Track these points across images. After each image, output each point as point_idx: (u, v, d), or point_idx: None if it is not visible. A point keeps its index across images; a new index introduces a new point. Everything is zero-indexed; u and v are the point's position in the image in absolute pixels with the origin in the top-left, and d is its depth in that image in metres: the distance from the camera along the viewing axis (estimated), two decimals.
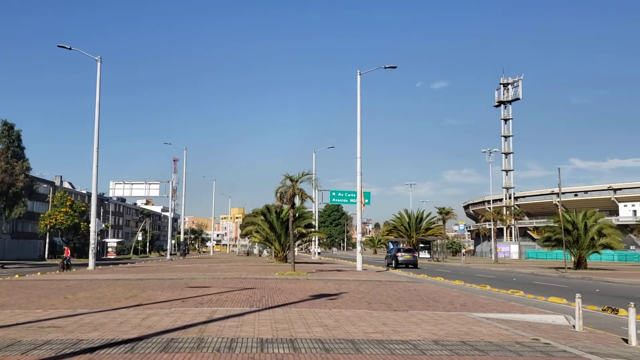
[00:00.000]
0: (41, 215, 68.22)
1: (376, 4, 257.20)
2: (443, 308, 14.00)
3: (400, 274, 34.17)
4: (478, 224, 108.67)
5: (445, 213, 75.64)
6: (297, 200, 31.24)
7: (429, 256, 75.17)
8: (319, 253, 75.60)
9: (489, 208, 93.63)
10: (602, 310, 15.86)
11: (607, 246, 45.31)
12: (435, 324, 11.05)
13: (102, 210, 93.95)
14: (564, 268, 40.50)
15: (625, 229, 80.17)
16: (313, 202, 47.30)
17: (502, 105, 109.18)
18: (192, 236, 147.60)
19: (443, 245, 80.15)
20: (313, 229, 51.86)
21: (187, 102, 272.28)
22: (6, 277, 26.86)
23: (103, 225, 75.82)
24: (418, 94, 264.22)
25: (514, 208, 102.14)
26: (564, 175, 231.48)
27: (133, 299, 15.35)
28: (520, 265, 55.20)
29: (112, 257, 78.38)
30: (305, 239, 54.23)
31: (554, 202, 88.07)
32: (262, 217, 46.84)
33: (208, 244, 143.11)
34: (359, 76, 36.99)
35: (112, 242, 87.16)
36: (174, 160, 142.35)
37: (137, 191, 62.86)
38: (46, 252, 71.41)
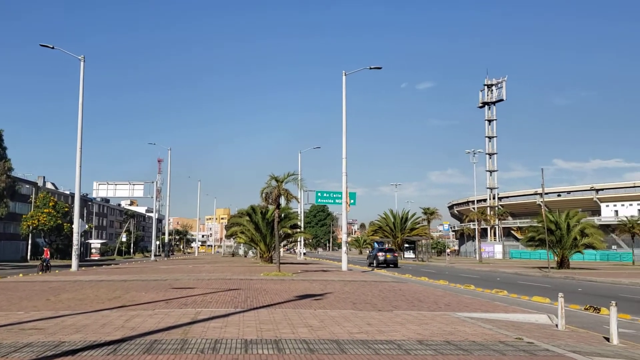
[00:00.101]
0: (23, 216, 67.43)
1: (359, 4, 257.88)
2: (427, 308, 14.06)
3: (385, 274, 34.27)
4: (462, 224, 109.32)
5: (429, 213, 76.05)
6: (282, 201, 31.18)
7: (413, 256, 75.51)
8: (304, 253, 75.58)
9: (473, 208, 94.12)
10: (585, 309, 16.03)
11: (589, 246, 45.82)
12: (420, 323, 11.08)
13: (85, 211, 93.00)
14: (547, 268, 40.90)
15: (607, 228, 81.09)
16: (299, 202, 47.29)
17: (486, 106, 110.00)
18: (177, 237, 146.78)
19: (428, 245, 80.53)
20: (299, 230, 51.83)
21: (171, 104, 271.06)
22: None
23: (86, 226, 75.07)
24: (403, 94, 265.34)
25: (498, 208, 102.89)
26: (547, 176, 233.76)
27: (116, 300, 15.22)
28: (504, 265, 55.63)
29: (96, 258, 77.69)
30: (290, 239, 54.18)
31: (537, 203, 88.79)
32: (247, 218, 46.70)
33: (193, 245, 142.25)
34: (344, 77, 37.05)
35: (95, 243, 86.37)
36: (158, 161, 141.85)
37: (121, 192, 62.42)
38: (28, 254, 70.55)
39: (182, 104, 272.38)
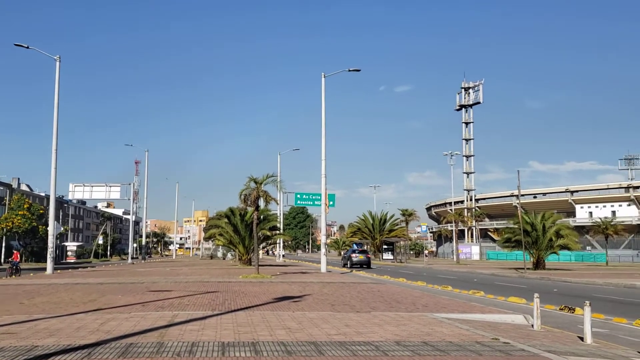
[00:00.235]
0: None
1: (339, 5, 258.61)
2: (405, 309, 14.12)
3: (364, 275, 34.35)
4: (440, 226, 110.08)
5: (408, 215, 76.50)
6: (261, 203, 31.06)
7: (392, 257, 75.82)
8: (283, 255, 75.43)
9: (451, 210, 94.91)
10: (560, 309, 16.24)
11: (564, 247, 46.42)
12: (398, 324, 11.13)
13: (61, 213, 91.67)
14: (523, 268, 41.37)
15: (581, 230, 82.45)
16: (278, 204, 47.17)
17: (463, 108, 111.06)
18: (155, 240, 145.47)
19: (406, 247, 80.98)
20: (278, 232, 51.74)
21: (150, 107, 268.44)
22: None
23: (62, 229, 74.01)
24: (382, 97, 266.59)
25: (475, 210, 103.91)
26: (523, 178, 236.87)
27: (92, 303, 15.02)
28: (481, 266, 56.14)
29: (72, 261, 76.61)
30: (270, 241, 54.13)
31: (514, 204, 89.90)
32: (226, 220, 46.45)
33: (171, 247, 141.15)
34: (323, 79, 37.13)
35: (71, 245, 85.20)
36: (135, 163, 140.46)
37: (98, 194, 61.65)
38: (2, 257, 69.20)
39: (161, 108, 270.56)
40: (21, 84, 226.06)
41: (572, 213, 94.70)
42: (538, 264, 45.44)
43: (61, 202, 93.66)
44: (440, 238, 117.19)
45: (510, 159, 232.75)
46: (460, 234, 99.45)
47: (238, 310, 13.42)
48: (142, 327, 10.34)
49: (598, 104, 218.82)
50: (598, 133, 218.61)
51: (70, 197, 66.37)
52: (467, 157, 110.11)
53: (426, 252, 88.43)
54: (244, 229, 44.61)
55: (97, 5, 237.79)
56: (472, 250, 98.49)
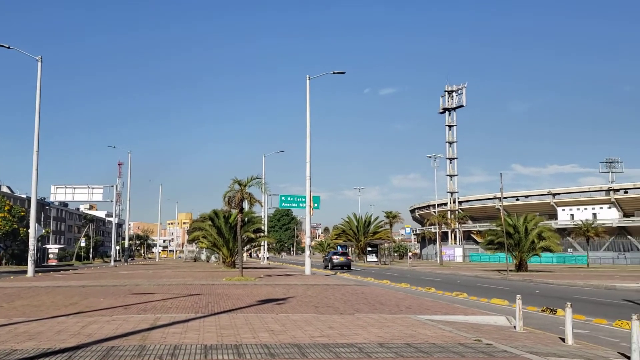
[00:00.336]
0: None
1: (323, 7, 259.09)
2: (389, 311, 14.15)
3: (349, 278, 34.38)
4: (424, 228, 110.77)
5: (392, 217, 76.78)
6: (245, 205, 30.98)
7: (376, 259, 76.08)
8: (267, 258, 75.25)
9: (434, 212, 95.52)
10: (542, 310, 16.40)
11: (546, 249, 46.85)
12: (381, 326, 11.15)
13: (42, 215, 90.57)
14: (506, 270, 41.68)
15: (563, 232, 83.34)
16: (262, 206, 47.11)
17: (446, 112, 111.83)
18: (138, 242, 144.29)
19: (390, 249, 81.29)
20: (262, 234, 51.61)
21: (134, 110, 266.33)
22: None
23: (43, 231, 73.00)
24: (366, 99, 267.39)
25: (458, 212, 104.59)
26: (506, 181, 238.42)
27: (73, 306, 14.85)
28: (465, 268, 56.50)
29: (54, 263, 75.58)
30: (254, 243, 53.94)
31: (497, 207, 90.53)
32: (209, 222, 46.25)
33: (154, 250, 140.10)
34: (308, 81, 37.14)
35: (53, 248, 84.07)
36: (118, 164, 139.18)
37: (80, 196, 60.95)
38: None
39: (145, 111, 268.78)
40: (2, 86, 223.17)
41: (554, 215, 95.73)
42: (520, 266, 45.81)
43: (43, 204, 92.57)
44: (424, 240, 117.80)
45: (494, 161, 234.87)
46: (444, 236, 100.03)
47: (221, 312, 13.36)
48: (124, 330, 10.25)
49: (580, 108, 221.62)
50: (580, 136, 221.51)
51: (52, 199, 65.60)
52: (451, 159, 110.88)
53: (410, 254, 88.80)
54: (228, 232, 44.43)
55: (73, 6, 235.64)
56: (455, 252, 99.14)
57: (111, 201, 64.61)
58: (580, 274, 43.36)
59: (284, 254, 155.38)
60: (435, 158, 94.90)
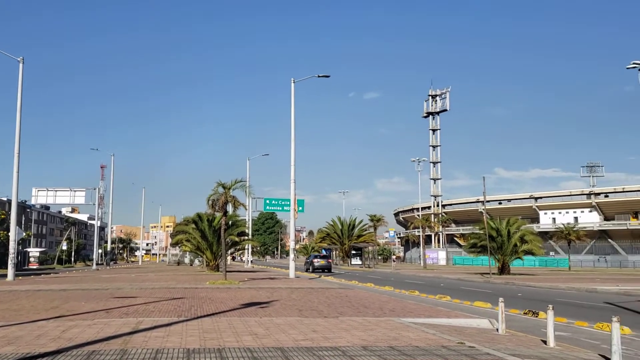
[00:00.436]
0: None
1: (308, 11, 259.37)
2: (373, 314, 14.17)
3: (333, 281, 34.38)
4: (408, 231, 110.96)
5: (376, 220, 76.98)
6: (229, 208, 30.89)
7: (360, 262, 76.22)
8: (251, 261, 74.98)
9: (418, 215, 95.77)
10: (524, 313, 16.52)
11: (528, 252, 47.23)
12: (365, 329, 11.15)
13: (23, 218, 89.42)
14: (488, 273, 41.96)
15: (545, 235, 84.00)
16: (246, 209, 46.93)
17: (430, 116, 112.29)
18: (121, 245, 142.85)
19: (374, 252, 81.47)
20: (246, 237, 51.45)
21: (118, 114, 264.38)
22: None
23: (24, 234, 72.05)
24: (351, 103, 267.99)
25: (442, 215, 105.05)
26: (489, 184, 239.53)
27: (54, 310, 14.67)
28: (448, 271, 56.81)
29: (35, 267, 74.65)
30: (238, 247, 53.67)
31: (480, 210, 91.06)
32: (193, 226, 45.94)
33: (137, 253, 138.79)
34: (292, 84, 37.13)
35: (34, 251, 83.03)
36: (101, 167, 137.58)
37: (62, 198, 60.35)
38: None
39: (129, 115, 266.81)
40: None
41: (536, 219, 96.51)
42: (503, 269, 46.13)
43: (24, 207, 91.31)
44: (408, 243, 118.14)
45: (477, 165, 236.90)
46: (427, 240, 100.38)
47: (204, 316, 13.28)
48: (105, 334, 10.14)
49: (561, 112, 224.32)
50: (561, 140, 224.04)
51: (33, 202, 64.69)
52: (434, 163, 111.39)
53: (394, 257, 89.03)
54: (211, 235, 44.19)
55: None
56: (438, 255, 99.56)
57: (93, 204, 64.03)
58: (562, 277, 43.80)
59: (268, 257, 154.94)
60: (419, 162, 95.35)
